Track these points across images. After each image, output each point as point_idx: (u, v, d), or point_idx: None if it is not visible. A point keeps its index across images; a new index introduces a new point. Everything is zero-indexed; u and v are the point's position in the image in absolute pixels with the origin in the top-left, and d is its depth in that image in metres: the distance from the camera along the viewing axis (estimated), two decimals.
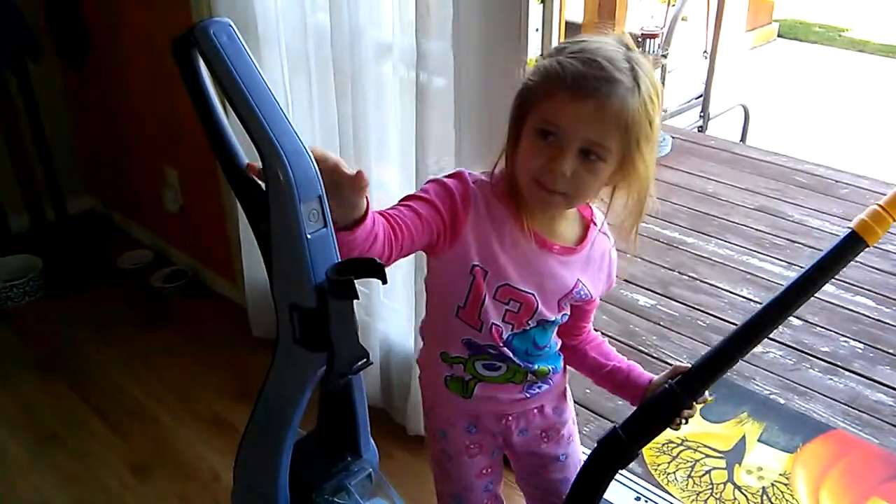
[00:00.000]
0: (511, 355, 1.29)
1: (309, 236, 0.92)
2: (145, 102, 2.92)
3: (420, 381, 1.50)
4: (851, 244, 1.19)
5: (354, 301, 0.96)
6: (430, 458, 1.53)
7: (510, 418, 1.41)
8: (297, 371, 1.01)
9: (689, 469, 2.25)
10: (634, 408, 1.33)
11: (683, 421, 1.29)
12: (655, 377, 1.36)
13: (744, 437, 2.38)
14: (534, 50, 1.76)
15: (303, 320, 0.97)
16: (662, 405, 1.28)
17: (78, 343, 2.74)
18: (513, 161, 1.19)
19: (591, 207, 1.30)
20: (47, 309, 2.92)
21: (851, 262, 3.38)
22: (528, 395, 1.38)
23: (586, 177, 1.14)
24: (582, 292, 1.29)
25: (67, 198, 3.22)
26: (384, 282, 0.92)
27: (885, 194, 3.29)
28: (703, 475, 2.24)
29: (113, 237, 3.37)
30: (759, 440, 2.37)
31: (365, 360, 1.03)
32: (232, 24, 0.97)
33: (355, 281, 0.94)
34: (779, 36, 7.16)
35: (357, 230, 1.00)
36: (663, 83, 4.23)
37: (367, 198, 1.01)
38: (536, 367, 1.34)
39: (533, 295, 1.24)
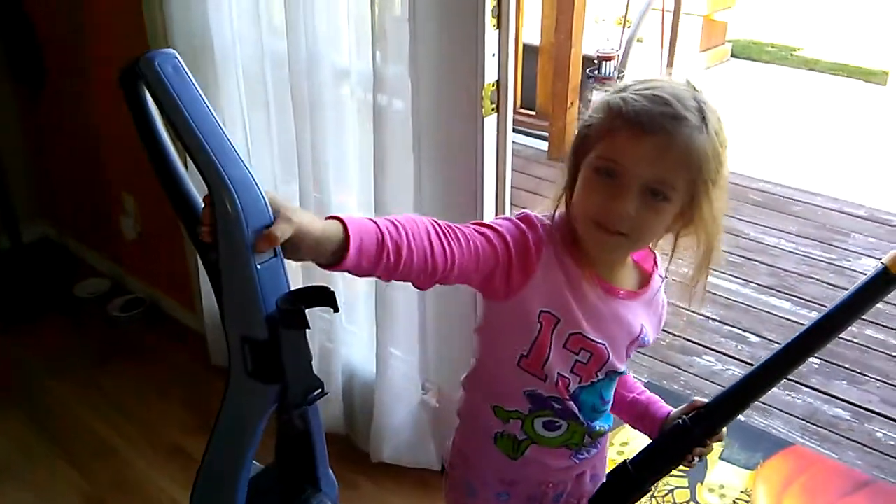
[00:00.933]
0: (576, 411, 1.22)
1: (258, 266, 0.91)
2: (103, 129, 2.88)
3: (457, 432, 1.38)
4: (882, 282, 1.09)
5: (310, 329, 0.95)
6: (446, 499, 1.44)
7: (550, 485, 1.33)
8: (250, 404, 1.00)
9: (653, 489, 2.26)
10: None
11: (696, 458, 1.24)
12: (674, 410, 1.31)
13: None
14: (490, 75, 1.77)
15: (255, 352, 0.95)
16: (674, 441, 1.24)
17: (34, 374, 2.69)
18: (571, 203, 1.14)
19: (653, 254, 1.24)
20: (2, 340, 2.85)
21: (805, 278, 3.39)
22: (575, 462, 1.30)
23: (650, 217, 1.07)
24: (646, 338, 1.24)
25: (22, 225, 3.16)
26: (335, 310, 0.91)
27: (837, 211, 3.34)
28: (666, 495, 2.25)
29: (69, 265, 3.32)
30: (720, 458, 2.38)
31: (319, 390, 1.02)
32: (178, 55, 0.96)
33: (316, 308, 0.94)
34: (732, 56, 7.29)
35: (342, 265, 0.95)
36: None
37: (347, 234, 0.93)
38: (597, 426, 1.27)
39: (604, 345, 1.18)
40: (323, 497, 1.12)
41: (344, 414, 2.33)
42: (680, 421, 1.22)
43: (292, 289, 0.95)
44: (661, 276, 1.24)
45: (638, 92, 1.07)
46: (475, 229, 1.10)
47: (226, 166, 0.92)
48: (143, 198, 2.85)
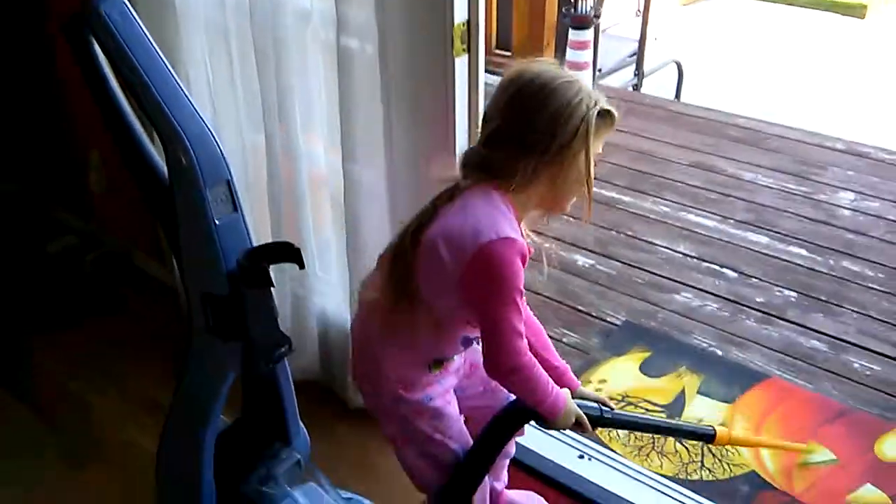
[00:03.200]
0: None
1: (217, 222, 0.89)
2: (65, 83, 2.80)
3: (397, 403, 1.47)
4: (704, 441, 1.70)
5: (274, 287, 0.93)
6: (415, 444, 1.52)
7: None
8: (213, 363, 0.99)
9: None
10: None
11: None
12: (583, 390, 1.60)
13: (683, 389, 2.42)
14: (460, 14, 1.72)
15: (216, 310, 0.93)
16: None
17: (7, 333, 2.65)
18: (558, 183, 1.35)
19: None
20: None
21: (783, 212, 3.55)
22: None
23: None
24: None
25: None
26: (301, 266, 0.89)
27: (815, 145, 3.49)
28: None
29: (39, 223, 3.26)
30: (698, 392, 2.41)
31: (287, 347, 1.00)
32: (126, 1, 0.92)
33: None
34: None
35: None
36: (597, 43, 4.24)
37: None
38: None
39: None
40: (292, 452, 1.11)
41: (320, 362, 2.33)
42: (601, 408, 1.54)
43: (255, 245, 0.93)
44: None
45: (600, 102, 1.32)
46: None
47: (179, 118, 0.89)
48: (111, 152, 2.78)
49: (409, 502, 1.99)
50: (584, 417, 1.49)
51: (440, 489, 1.53)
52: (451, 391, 1.54)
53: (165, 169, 0.94)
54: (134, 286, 2.89)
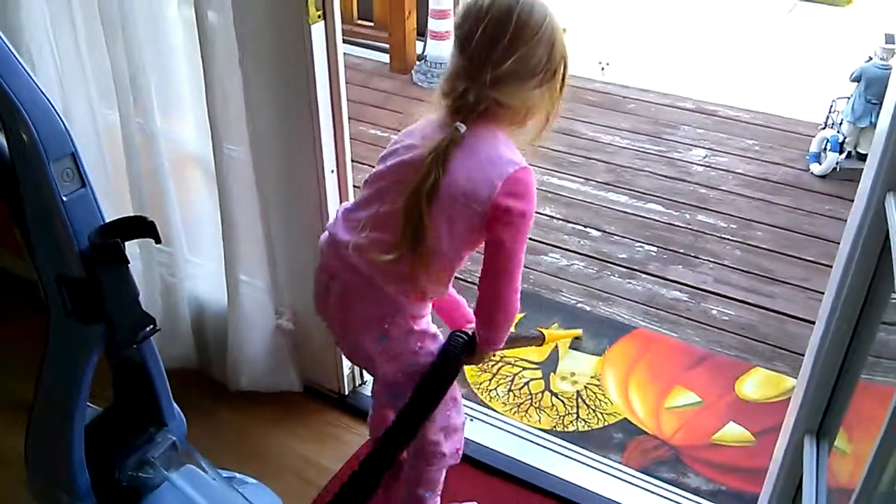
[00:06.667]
0: None
1: (65, 198, 0.84)
2: None
3: (408, 335, 1.54)
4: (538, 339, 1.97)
5: (129, 263, 0.90)
6: (417, 372, 1.55)
7: None
8: (74, 347, 0.94)
9: (509, 383, 2.35)
10: None
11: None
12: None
13: (556, 346, 2.50)
14: None
15: (73, 291, 0.89)
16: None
17: None
18: (551, 102, 1.42)
19: None
20: None
21: (640, 172, 3.62)
22: None
23: None
24: None
25: None
26: (157, 241, 0.86)
27: (668, 105, 3.68)
28: (522, 387, 2.34)
29: None
30: (570, 348, 2.50)
31: (151, 327, 0.97)
32: None
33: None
34: None
35: None
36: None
37: None
38: None
39: None
40: (167, 434, 1.08)
41: (196, 348, 2.26)
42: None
43: (107, 220, 0.89)
44: None
45: None
46: None
47: (17, 92, 0.83)
48: None
49: (291, 481, 1.99)
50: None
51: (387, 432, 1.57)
52: None
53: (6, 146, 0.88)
54: None
